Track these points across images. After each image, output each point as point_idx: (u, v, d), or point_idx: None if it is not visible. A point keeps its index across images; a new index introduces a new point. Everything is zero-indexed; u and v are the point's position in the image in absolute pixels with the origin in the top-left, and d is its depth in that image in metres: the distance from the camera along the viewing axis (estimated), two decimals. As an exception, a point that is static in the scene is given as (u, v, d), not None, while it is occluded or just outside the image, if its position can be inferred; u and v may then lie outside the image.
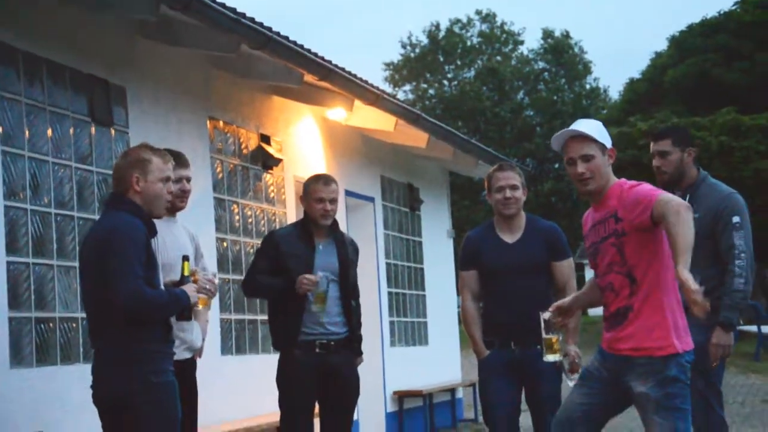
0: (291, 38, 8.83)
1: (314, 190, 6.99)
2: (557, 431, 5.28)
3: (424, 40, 51.38)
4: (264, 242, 7.20)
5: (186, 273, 5.42)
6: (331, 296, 6.89)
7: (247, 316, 9.57)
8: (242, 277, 8.68)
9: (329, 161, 11.35)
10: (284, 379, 6.93)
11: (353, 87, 10.12)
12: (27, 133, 6.90)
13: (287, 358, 6.94)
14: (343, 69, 9.83)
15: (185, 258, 5.48)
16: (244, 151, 9.76)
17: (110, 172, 7.54)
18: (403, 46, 51.63)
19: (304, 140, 10.90)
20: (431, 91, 51.28)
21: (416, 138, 12.13)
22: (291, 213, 10.32)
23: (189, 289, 5.33)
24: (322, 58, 9.41)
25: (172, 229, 6.04)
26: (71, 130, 7.36)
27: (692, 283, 4.55)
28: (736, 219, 6.07)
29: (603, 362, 5.16)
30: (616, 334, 5.07)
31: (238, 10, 7.96)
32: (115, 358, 5.06)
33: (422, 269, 14.10)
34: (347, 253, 7.10)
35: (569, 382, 5.62)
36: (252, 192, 9.86)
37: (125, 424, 5.06)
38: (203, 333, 6.32)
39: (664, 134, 6.45)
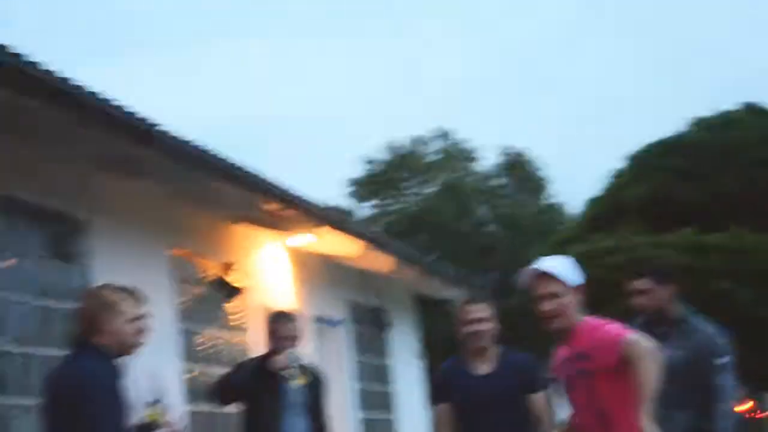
0: (253, 167, 8.84)
1: (275, 328, 7.00)
2: None
3: (386, 157, 51.88)
4: (234, 369, 7.12)
5: (154, 418, 5.37)
6: None
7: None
8: (209, 407, 8.57)
9: (295, 287, 11.28)
10: None
11: (316, 214, 10.12)
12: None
13: None
14: (303, 197, 9.83)
15: (151, 403, 5.40)
16: (207, 279, 9.68)
17: (72, 307, 7.50)
18: (366, 163, 52.08)
19: (268, 267, 10.83)
20: (394, 207, 51.58)
21: (383, 262, 12.11)
22: (256, 340, 10.21)
23: None
24: (284, 188, 9.41)
25: (130, 367, 5.93)
26: (33, 266, 7.27)
27: None
28: (721, 360, 5.92)
29: None
30: None
31: (197, 139, 7.98)
32: None
33: (390, 392, 13.93)
34: (316, 390, 7.11)
35: None
36: (216, 320, 9.75)
37: None
38: None
39: (644, 272, 6.30)
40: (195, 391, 9.21)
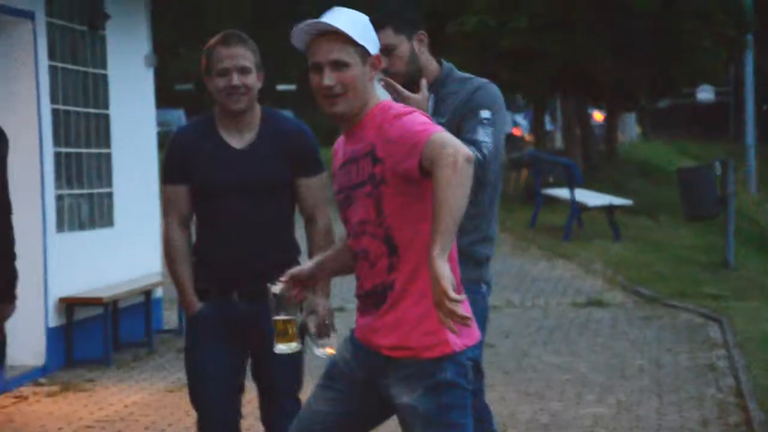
0: None
1: None
2: None
3: None
4: None
5: None
6: None
7: None
8: None
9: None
10: None
11: None
12: None
13: None
14: None
15: None
16: None
17: None
18: None
19: None
20: None
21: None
22: None
23: None
24: None
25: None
26: None
27: (448, 284, 3.54)
28: (484, 114, 5.02)
29: (355, 355, 4.06)
30: (373, 321, 3.98)
31: None
32: None
33: (106, 115, 10.66)
34: None
35: (315, 351, 4.63)
36: None
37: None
38: None
39: (381, 22, 4.98)
40: None
